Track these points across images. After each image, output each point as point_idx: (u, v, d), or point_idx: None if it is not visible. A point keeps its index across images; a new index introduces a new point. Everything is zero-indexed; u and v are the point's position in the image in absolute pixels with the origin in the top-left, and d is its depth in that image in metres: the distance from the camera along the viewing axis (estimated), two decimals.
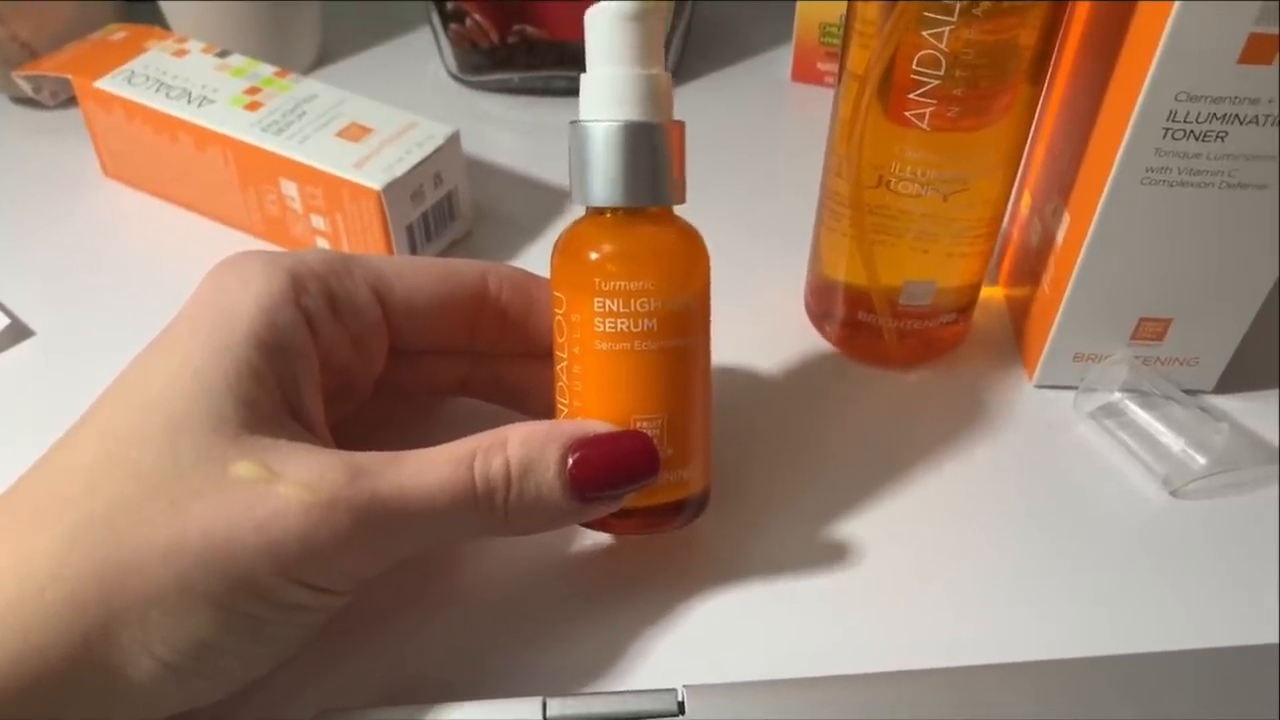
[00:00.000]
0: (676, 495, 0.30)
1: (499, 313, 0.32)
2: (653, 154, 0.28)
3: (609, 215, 0.28)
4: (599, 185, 0.28)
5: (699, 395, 0.30)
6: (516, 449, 0.27)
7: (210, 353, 0.26)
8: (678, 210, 0.30)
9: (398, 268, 0.31)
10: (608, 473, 0.28)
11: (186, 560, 0.23)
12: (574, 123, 0.28)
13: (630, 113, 0.27)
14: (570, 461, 0.27)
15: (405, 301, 0.31)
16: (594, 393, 0.29)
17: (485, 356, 0.34)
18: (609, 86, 0.27)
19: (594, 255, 0.28)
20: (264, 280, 0.27)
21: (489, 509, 0.27)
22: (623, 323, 0.28)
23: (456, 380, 0.34)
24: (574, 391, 0.29)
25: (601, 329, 0.28)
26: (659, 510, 0.30)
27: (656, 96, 0.28)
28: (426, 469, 0.26)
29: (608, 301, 0.28)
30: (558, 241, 0.29)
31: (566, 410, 0.30)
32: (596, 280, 0.28)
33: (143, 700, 0.24)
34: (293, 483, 0.24)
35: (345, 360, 0.30)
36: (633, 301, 0.28)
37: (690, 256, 0.29)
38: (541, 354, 0.32)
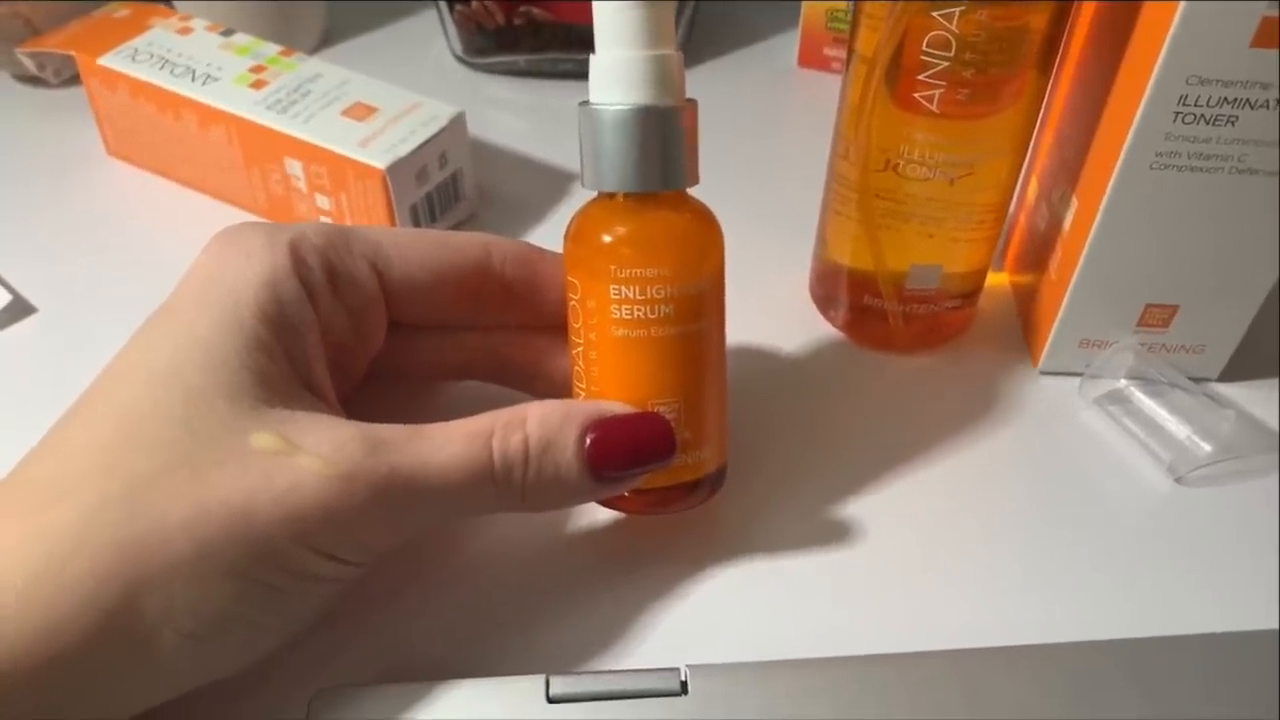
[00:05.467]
0: (690, 476, 0.30)
1: (503, 287, 0.32)
2: (666, 138, 0.27)
3: (621, 199, 0.28)
4: (611, 171, 0.28)
5: (714, 377, 0.30)
6: (535, 427, 0.27)
7: (219, 327, 0.26)
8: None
9: (397, 240, 0.31)
10: (625, 453, 0.28)
11: (207, 531, 0.23)
12: (584, 104, 0.28)
13: (642, 96, 0.27)
14: (588, 441, 0.27)
15: (404, 275, 0.30)
16: (611, 378, 0.29)
17: (490, 335, 0.33)
18: (619, 69, 0.27)
19: (608, 239, 0.28)
20: (266, 253, 0.27)
21: (506, 486, 0.27)
22: (639, 309, 0.28)
23: (460, 360, 0.34)
24: (591, 376, 0.29)
25: (618, 315, 0.28)
26: (673, 490, 0.30)
27: (668, 78, 0.27)
28: (445, 444, 0.26)
29: (624, 289, 0.28)
30: (570, 225, 0.29)
31: (584, 394, 0.30)
32: (612, 267, 0.28)
33: (166, 673, 0.24)
34: (312, 454, 0.24)
35: (341, 335, 0.30)
36: (649, 288, 0.28)
37: (705, 240, 0.29)
38: (547, 327, 0.32)
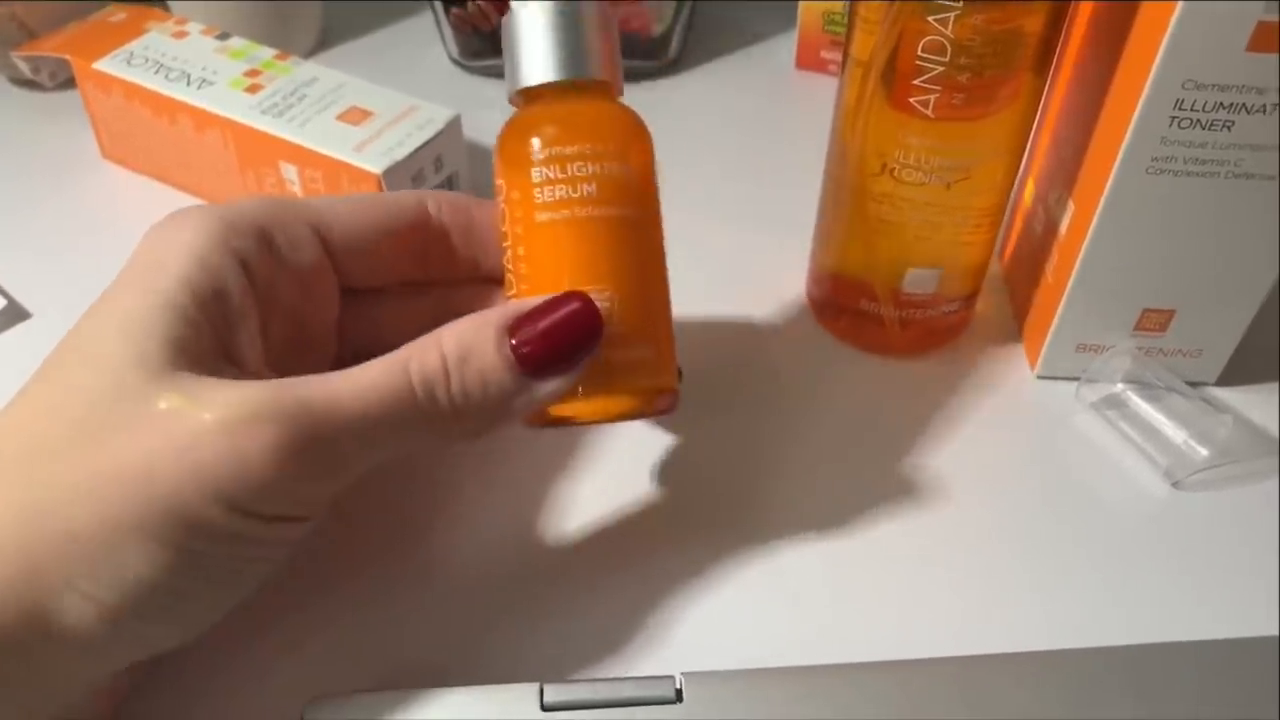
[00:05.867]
0: (642, 380, 0.28)
1: (443, 236, 0.32)
2: (576, 27, 0.28)
3: (544, 97, 0.29)
4: (526, 65, 0.28)
5: (653, 275, 0.29)
6: (449, 341, 0.26)
7: (137, 298, 0.25)
8: None
9: (334, 204, 0.31)
10: (551, 338, 0.26)
11: (105, 494, 0.23)
12: (501, 20, 0.29)
13: None
14: (512, 339, 0.26)
15: (345, 235, 0.30)
16: (538, 269, 0.28)
17: (445, 291, 0.33)
18: None
19: (530, 133, 0.28)
20: (194, 226, 0.27)
21: (431, 406, 0.26)
22: (561, 189, 0.27)
23: (425, 318, 0.32)
24: (520, 275, 0.28)
25: (541, 199, 0.28)
26: (626, 392, 0.29)
27: None
28: (359, 375, 0.25)
29: (544, 169, 0.27)
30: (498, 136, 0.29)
31: (513, 298, 0.29)
32: (532, 149, 0.28)
33: (86, 646, 0.23)
34: (212, 405, 0.24)
35: (294, 303, 0.30)
36: (569, 166, 0.27)
37: (629, 129, 0.29)
38: (494, 277, 0.32)
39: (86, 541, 0.23)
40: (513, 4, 0.28)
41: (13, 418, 0.25)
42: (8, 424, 0.25)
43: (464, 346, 0.26)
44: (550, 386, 0.27)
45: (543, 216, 0.28)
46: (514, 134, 0.28)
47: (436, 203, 0.32)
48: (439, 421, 0.26)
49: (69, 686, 0.24)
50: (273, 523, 0.25)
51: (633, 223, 0.28)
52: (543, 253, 0.28)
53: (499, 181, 0.29)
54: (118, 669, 0.25)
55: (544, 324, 0.26)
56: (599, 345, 0.27)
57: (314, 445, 0.24)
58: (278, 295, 0.29)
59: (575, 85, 0.28)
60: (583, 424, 0.30)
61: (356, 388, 0.25)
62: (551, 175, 0.27)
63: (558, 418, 0.29)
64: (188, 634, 0.26)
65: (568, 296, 0.27)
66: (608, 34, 0.29)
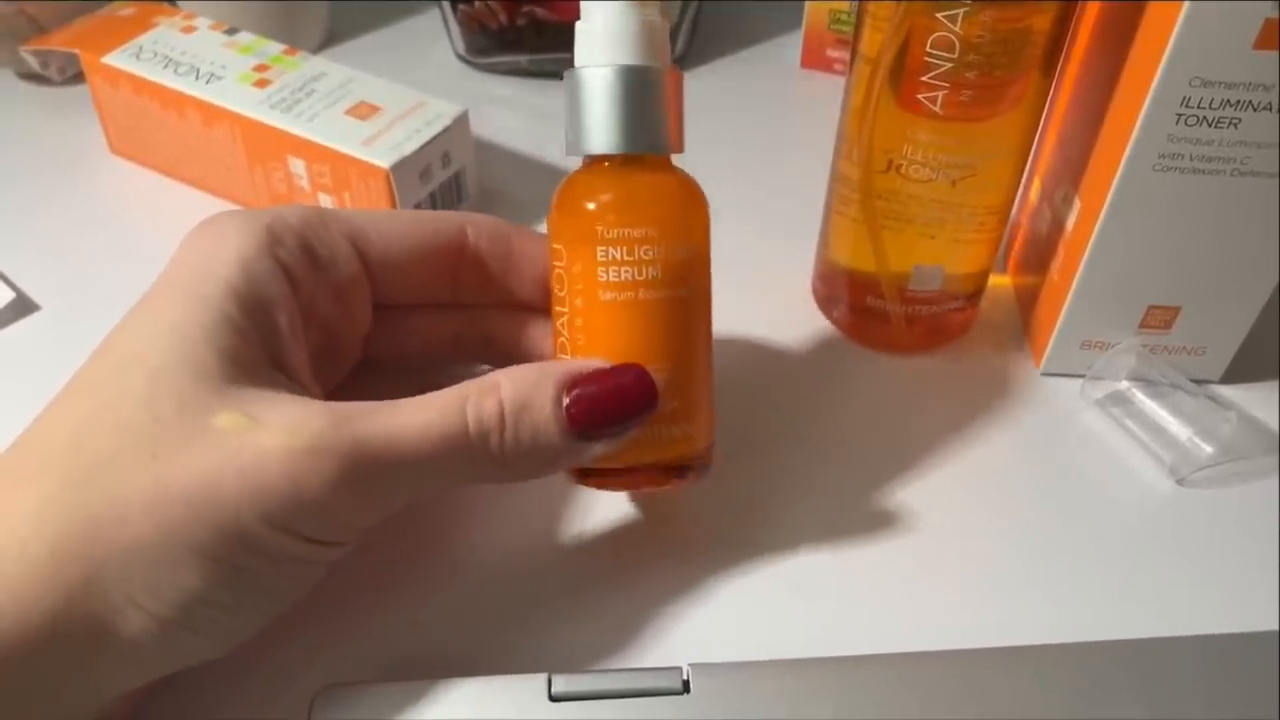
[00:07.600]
0: (681, 451, 0.29)
1: (479, 262, 0.32)
2: (649, 99, 0.28)
3: (606, 164, 0.28)
4: (595, 133, 0.28)
5: (702, 349, 0.30)
6: (509, 389, 0.26)
7: (188, 307, 0.25)
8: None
9: (375, 220, 0.31)
10: (605, 405, 0.27)
11: (168, 510, 0.23)
12: (568, 71, 0.28)
13: (624, 58, 0.27)
14: (567, 399, 0.27)
15: (383, 252, 0.30)
16: (598, 344, 0.28)
17: (473, 311, 0.33)
18: (602, 32, 0.27)
19: (593, 205, 0.28)
20: (239, 234, 0.27)
21: (483, 451, 0.26)
22: (626, 271, 0.28)
23: (448, 339, 0.33)
24: (577, 345, 0.28)
25: (605, 279, 0.28)
26: (663, 467, 0.29)
27: (650, 42, 0.27)
28: (416, 413, 0.25)
29: (611, 250, 0.27)
30: (555, 195, 0.29)
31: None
32: (599, 229, 0.27)
33: (135, 657, 0.24)
34: (274, 429, 0.24)
35: (329, 314, 0.30)
36: (636, 249, 0.27)
37: (691, 204, 0.29)
38: (526, 305, 0.32)
39: (148, 556, 0.23)
40: (577, 66, 0.28)
41: (59, 423, 0.25)
42: (56, 430, 0.24)
43: (522, 397, 0.26)
44: (595, 449, 0.27)
45: (606, 296, 0.28)
46: (575, 204, 0.28)
47: (476, 229, 0.32)
48: (487, 465, 0.26)
49: (108, 693, 0.25)
50: (318, 545, 0.25)
51: (690, 302, 0.29)
52: (604, 330, 0.28)
53: (556, 246, 0.29)
54: (156, 677, 0.25)
55: (599, 390, 0.27)
56: (649, 417, 0.28)
57: (369, 480, 0.25)
58: (315, 305, 0.29)
59: (640, 158, 0.28)
60: (617, 490, 0.31)
61: (413, 426, 0.25)
62: (617, 256, 0.27)
63: (594, 482, 0.29)
64: (225, 646, 0.26)
65: (626, 368, 0.27)
66: (675, 102, 0.29)
